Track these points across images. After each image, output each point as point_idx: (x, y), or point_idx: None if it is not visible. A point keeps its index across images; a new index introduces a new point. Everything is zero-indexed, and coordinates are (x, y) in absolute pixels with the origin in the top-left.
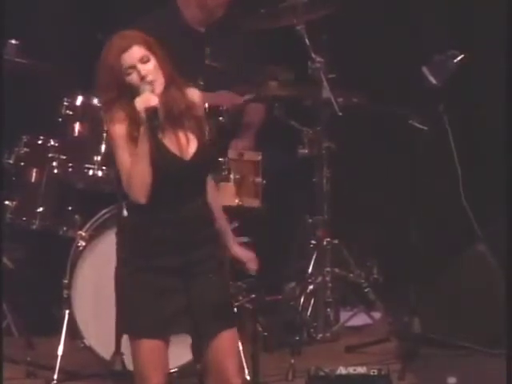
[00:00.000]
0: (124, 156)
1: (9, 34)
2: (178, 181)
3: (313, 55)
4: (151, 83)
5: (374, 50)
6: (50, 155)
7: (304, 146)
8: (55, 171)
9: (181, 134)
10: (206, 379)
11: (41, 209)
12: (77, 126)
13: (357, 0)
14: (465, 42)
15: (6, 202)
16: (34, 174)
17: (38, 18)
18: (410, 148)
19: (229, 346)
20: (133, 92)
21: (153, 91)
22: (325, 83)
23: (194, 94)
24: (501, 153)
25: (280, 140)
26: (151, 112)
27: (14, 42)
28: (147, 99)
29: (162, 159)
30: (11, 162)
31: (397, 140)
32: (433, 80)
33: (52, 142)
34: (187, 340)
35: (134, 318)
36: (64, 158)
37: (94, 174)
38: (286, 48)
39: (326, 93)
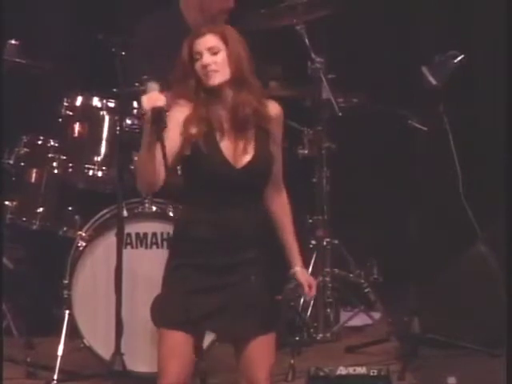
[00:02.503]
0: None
1: (9, 34)
2: (225, 186)
3: (313, 55)
4: (206, 74)
5: (374, 50)
6: (49, 155)
7: (304, 146)
8: (55, 171)
9: (240, 141)
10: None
11: (41, 209)
12: (77, 127)
13: (357, 0)
14: (465, 42)
15: (6, 203)
16: (34, 175)
17: (38, 18)
18: (410, 148)
19: (263, 349)
20: (198, 81)
21: (160, 90)
22: (325, 83)
23: (273, 108)
24: (501, 153)
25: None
26: (157, 113)
27: (13, 42)
28: (155, 98)
29: (212, 162)
30: (11, 162)
31: (397, 140)
32: (433, 80)
33: (52, 143)
34: None
35: (161, 309)
36: (64, 158)
37: (93, 175)
38: (286, 48)
39: (326, 93)
